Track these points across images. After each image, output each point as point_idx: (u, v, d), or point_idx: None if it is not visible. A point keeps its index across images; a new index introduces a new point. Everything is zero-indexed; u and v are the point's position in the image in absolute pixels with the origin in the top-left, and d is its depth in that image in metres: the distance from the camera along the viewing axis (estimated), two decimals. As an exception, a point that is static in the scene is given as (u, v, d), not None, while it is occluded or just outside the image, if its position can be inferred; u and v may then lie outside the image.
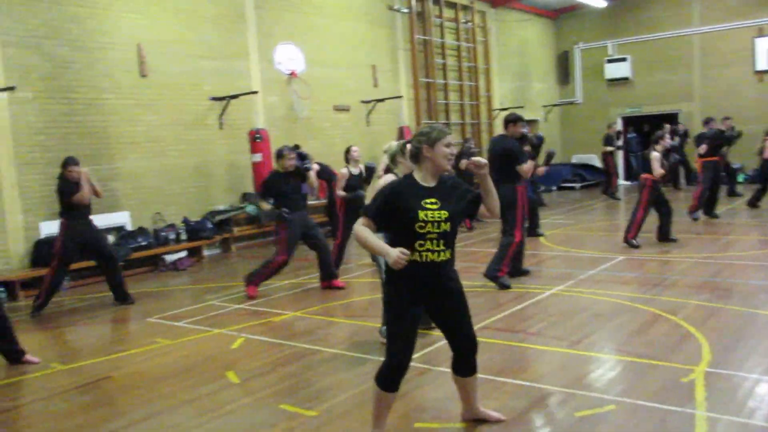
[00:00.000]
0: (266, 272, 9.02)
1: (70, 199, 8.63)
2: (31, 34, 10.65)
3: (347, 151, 10.35)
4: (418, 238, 3.91)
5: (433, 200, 3.96)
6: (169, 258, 11.83)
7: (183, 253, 12.04)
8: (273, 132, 13.83)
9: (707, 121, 14.49)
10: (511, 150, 8.63)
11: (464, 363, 4.26)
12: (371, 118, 16.90)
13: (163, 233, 11.94)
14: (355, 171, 10.10)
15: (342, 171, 10.10)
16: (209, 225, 12.61)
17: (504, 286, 8.44)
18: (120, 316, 8.67)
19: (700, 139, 14.34)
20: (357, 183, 10.09)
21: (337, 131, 15.68)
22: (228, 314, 8.18)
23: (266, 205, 8.97)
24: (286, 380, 5.67)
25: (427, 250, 3.94)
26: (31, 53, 10.67)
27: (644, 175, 10.83)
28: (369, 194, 6.37)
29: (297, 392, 5.35)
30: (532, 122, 21.81)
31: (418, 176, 4.06)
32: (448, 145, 4.03)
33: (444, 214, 3.95)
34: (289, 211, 8.82)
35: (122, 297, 9.15)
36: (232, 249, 13.26)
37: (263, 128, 13.48)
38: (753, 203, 14.81)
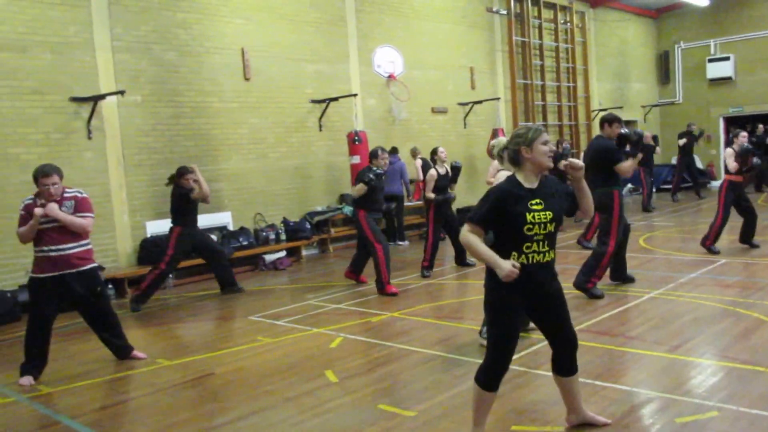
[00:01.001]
0: (381, 267, 9.09)
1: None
2: (141, 40, 11.09)
3: (434, 152, 10.57)
4: (526, 240, 3.94)
5: (537, 201, 3.98)
6: (269, 258, 12.11)
7: (282, 253, 12.32)
8: (371, 134, 13.99)
9: None
10: (605, 149, 8.28)
11: (566, 362, 4.25)
12: (468, 120, 16.90)
13: (263, 233, 12.22)
14: (442, 171, 10.26)
15: (431, 172, 10.23)
16: (308, 225, 12.86)
17: (595, 296, 8.10)
18: (222, 314, 8.94)
19: None
20: (446, 183, 10.20)
21: (435, 133, 15.76)
22: (326, 314, 8.32)
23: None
24: (384, 380, 5.74)
25: (534, 251, 3.97)
26: (141, 58, 11.10)
27: (728, 177, 10.41)
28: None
29: (395, 392, 5.43)
30: (630, 123, 21.39)
31: (520, 177, 4.06)
32: (545, 143, 4.04)
33: (549, 215, 3.97)
34: (369, 210, 9.32)
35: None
36: (329, 249, 13.49)
37: (362, 130, 13.61)
38: None
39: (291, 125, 13.23)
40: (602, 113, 20.42)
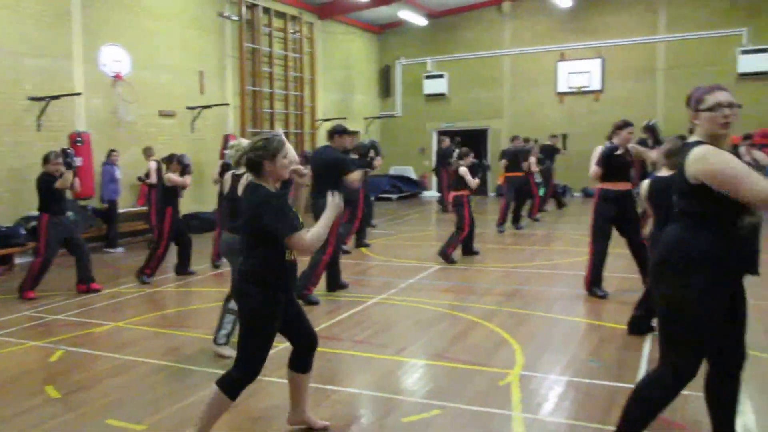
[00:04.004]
0: (31, 274, 9.28)
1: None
2: None
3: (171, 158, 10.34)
4: None
5: (290, 206, 4.14)
6: (-24, 266, 11.11)
7: (-9, 261, 11.35)
8: (95, 136, 13.42)
9: (513, 139, 15.41)
10: (336, 160, 8.47)
11: (305, 359, 4.40)
12: (196, 125, 16.65)
13: (-32, 239, 11.16)
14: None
15: (169, 176, 10.01)
16: (22, 231, 11.93)
17: (311, 303, 8.23)
18: None
19: (502, 155, 15.36)
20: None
21: (162, 137, 15.36)
22: (45, 325, 7.81)
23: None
24: (112, 394, 5.49)
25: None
26: None
27: (458, 192, 11.14)
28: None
29: (123, 406, 5.20)
30: (353, 133, 22.22)
31: (267, 185, 4.11)
32: (285, 156, 4.14)
33: (300, 218, 4.13)
34: (53, 214, 9.21)
35: None
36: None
37: (85, 131, 13.03)
38: (531, 216, 16.22)
39: (5, 124, 12.25)
40: (327, 123, 21.24)
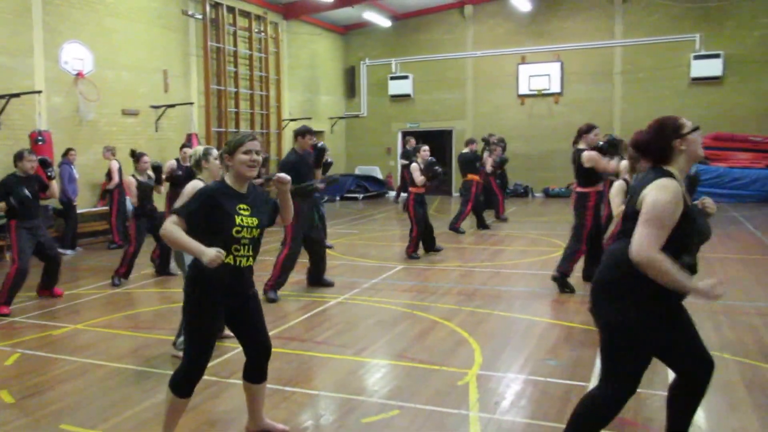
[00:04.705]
0: (7, 285, 8.36)
1: None
2: None
3: (137, 160, 10.00)
4: (234, 242, 4.00)
5: (245, 206, 4.07)
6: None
7: (-56, 262, 11.15)
8: (56, 134, 13.29)
9: (467, 143, 15.47)
10: (287, 163, 8.71)
11: (257, 369, 4.37)
12: (160, 124, 16.55)
13: None
14: (143, 179, 9.88)
15: (129, 178, 9.84)
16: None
17: (269, 300, 8.39)
18: None
19: (460, 163, 15.45)
20: (149, 192, 9.91)
21: (124, 136, 15.26)
22: (2, 328, 7.67)
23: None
24: (68, 398, 5.40)
25: (241, 255, 4.06)
26: None
27: (412, 190, 11.47)
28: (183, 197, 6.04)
29: (79, 410, 5.13)
30: (318, 133, 22.30)
31: (229, 181, 4.13)
32: (247, 152, 4.07)
33: (255, 221, 4.08)
34: (22, 219, 8.41)
35: None
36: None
37: (46, 130, 12.89)
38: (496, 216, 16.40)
39: (-37, 122, 12.08)
40: (293, 123, 21.27)
